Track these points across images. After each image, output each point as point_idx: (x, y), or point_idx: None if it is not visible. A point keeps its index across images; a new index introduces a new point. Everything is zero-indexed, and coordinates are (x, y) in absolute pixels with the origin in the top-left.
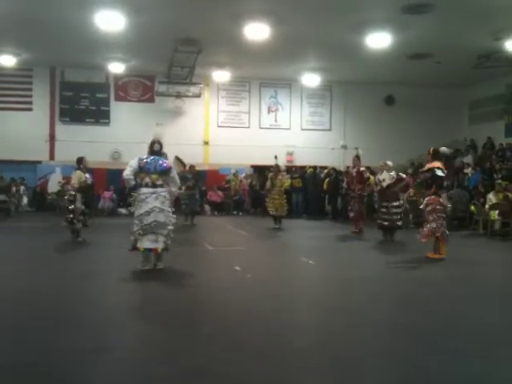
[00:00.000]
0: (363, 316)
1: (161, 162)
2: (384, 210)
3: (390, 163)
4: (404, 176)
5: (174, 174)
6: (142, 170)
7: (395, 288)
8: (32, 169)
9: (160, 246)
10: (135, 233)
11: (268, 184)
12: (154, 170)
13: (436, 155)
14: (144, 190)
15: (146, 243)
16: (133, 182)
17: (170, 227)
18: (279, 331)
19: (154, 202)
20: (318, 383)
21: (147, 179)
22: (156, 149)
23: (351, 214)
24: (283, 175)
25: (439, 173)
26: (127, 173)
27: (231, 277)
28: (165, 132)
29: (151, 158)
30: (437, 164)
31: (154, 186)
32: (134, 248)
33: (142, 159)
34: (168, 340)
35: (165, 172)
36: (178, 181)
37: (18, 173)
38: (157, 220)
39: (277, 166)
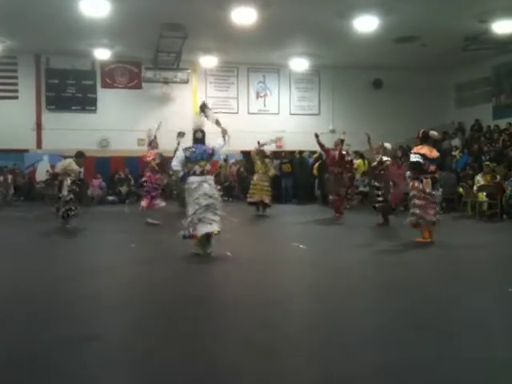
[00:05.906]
0: (353, 300)
1: (205, 148)
2: (377, 192)
3: (387, 145)
4: (385, 159)
5: (217, 146)
6: (189, 159)
7: (384, 272)
8: (19, 158)
9: (215, 228)
10: (191, 220)
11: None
12: (200, 157)
13: (424, 139)
14: (193, 178)
15: (202, 229)
16: (182, 173)
17: (220, 212)
18: (269, 317)
19: (204, 189)
20: (307, 369)
21: (196, 167)
22: (198, 137)
23: (330, 197)
24: (269, 162)
25: (414, 158)
26: (175, 163)
27: (221, 263)
28: (204, 121)
29: (196, 146)
30: (422, 149)
31: (203, 173)
32: (190, 236)
33: (188, 149)
34: (153, 328)
35: (211, 157)
36: (223, 137)
37: (5, 162)
38: (209, 204)
39: (261, 151)
